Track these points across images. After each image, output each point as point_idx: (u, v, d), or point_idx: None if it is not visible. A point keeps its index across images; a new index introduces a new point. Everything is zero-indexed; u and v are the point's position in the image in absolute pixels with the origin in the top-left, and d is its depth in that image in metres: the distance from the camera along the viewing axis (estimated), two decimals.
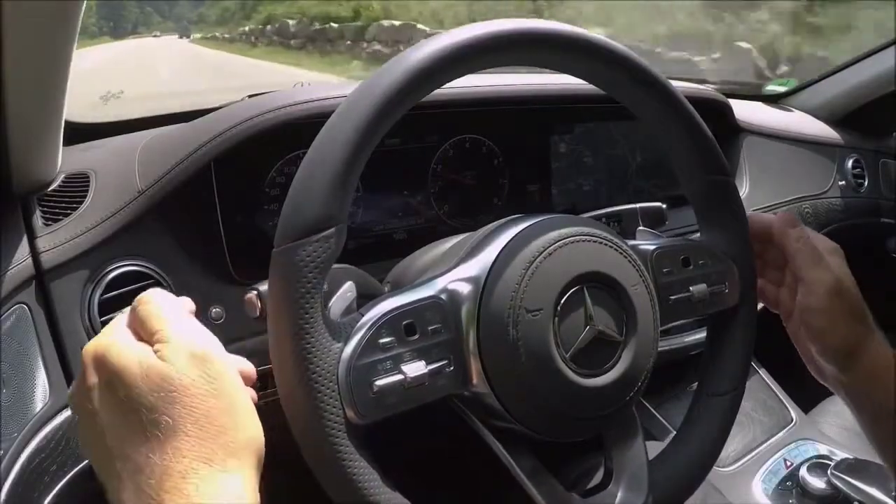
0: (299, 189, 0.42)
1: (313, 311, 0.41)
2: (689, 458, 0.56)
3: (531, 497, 0.48)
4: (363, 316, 0.44)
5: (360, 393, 0.41)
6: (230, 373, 0.42)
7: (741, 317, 0.59)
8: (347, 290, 0.48)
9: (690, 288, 0.56)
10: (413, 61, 0.44)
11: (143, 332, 0.42)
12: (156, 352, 0.41)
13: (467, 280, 0.47)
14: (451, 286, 0.47)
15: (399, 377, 0.43)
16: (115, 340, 0.42)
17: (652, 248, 0.55)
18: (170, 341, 0.41)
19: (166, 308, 0.43)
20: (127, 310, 0.45)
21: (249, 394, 0.44)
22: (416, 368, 0.43)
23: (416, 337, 0.44)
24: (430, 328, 0.45)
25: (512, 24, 0.47)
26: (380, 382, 0.42)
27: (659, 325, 0.53)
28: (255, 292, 0.47)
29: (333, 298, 0.47)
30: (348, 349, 0.42)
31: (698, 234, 0.62)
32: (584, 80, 0.54)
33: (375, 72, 0.44)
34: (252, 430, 0.41)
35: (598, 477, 0.53)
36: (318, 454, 0.41)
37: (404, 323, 0.44)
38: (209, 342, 0.42)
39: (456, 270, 0.48)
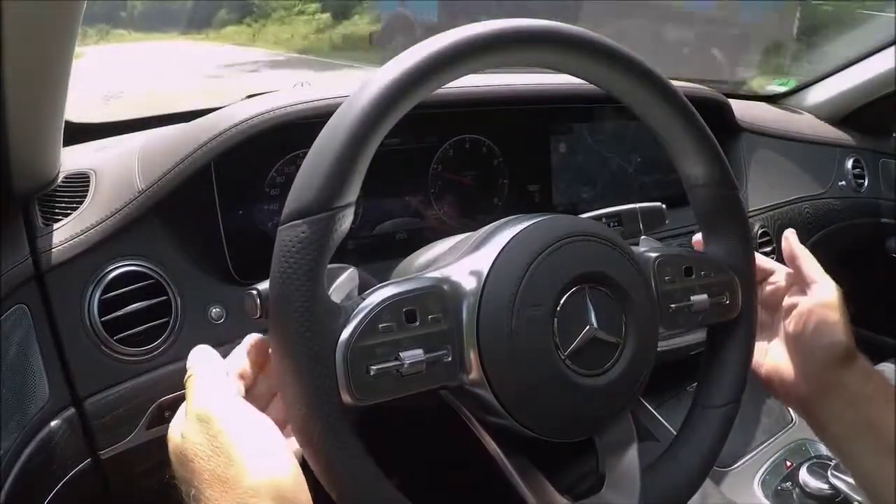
0: (306, 169, 0.42)
1: (314, 288, 0.41)
2: (682, 470, 0.56)
3: (521, 496, 0.48)
4: (364, 300, 0.44)
5: (356, 376, 0.41)
6: (230, 421, 0.42)
7: (741, 330, 0.59)
8: (350, 277, 0.48)
9: (691, 298, 0.55)
10: (430, 51, 0.44)
11: None
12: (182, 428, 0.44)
13: (470, 272, 0.47)
14: (454, 277, 0.47)
15: (396, 363, 0.43)
16: (174, 423, 0.46)
17: (655, 255, 0.55)
18: (187, 416, 0.44)
19: (194, 379, 0.46)
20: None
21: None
22: (413, 356, 0.43)
23: (416, 324, 0.44)
24: (430, 317, 0.45)
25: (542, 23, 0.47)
26: (376, 367, 0.42)
27: (658, 332, 0.53)
28: (255, 292, 0.47)
29: (336, 283, 0.46)
30: (347, 331, 0.42)
31: (698, 234, 0.62)
32: (598, 87, 0.54)
33: (387, 64, 0.44)
34: (260, 473, 0.40)
35: (591, 483, 0.53)
36: (308, 433, 0.41)
37: (405, 310, 0.44)
38: (214, 399, 0.44)
39: (460, 263, 0.49)
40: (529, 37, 0.47)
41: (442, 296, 0.46)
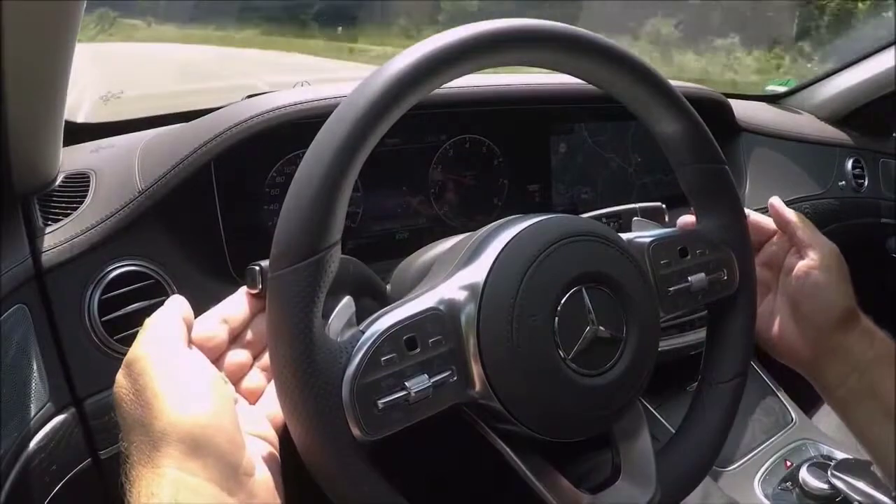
0: (287, 215, 0.41)
1: (311, 335, 0.40)
2: (696, 448, 0.56)
3: (539, 496, 0.48)
4: (363, 333, 0.43)
5: (364, 412, 0.41)
6: (154, 363, 0.41)
7: (741, 303, 0.59)
8: (347, 306, 0.47)
9: (689, 278, 0.55)
10: (391, 74, 0.42)
11: None
12: None
13: (466, 287, 0.47)
14: (449, 295, 0.47)
15: (403, 393, 0.42)
16: None
17: (648, 240, 0.55)
18: (124, 365, 0.43)
19: (144, 331, 0.44)
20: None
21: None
22: (419, 383, 0.43)
23: (418, 350, 0.44)
24: (430, 340, 0.44)
25: (497, 24, 0.46)
26: (384, 400, 0.42)
27: (660, 320, 0.53)
28: (258, 268, 0.47)
29: (333, 315, 0.46)
30: (350, 369, 0.41)
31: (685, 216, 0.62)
32: (581, 79, 0.54)
33: (350, 95, 0.43)
34: (170, 414, 0.39)
35: (606, 472, 0.53)
36: (327, 475, 0.41)
37: (405, 338, 0.44)
38: (146, 343, 0.43)
39: (454, 278, 0.48)
40: (514, 37, 0.46)
41: (440, 317, 0.45)
